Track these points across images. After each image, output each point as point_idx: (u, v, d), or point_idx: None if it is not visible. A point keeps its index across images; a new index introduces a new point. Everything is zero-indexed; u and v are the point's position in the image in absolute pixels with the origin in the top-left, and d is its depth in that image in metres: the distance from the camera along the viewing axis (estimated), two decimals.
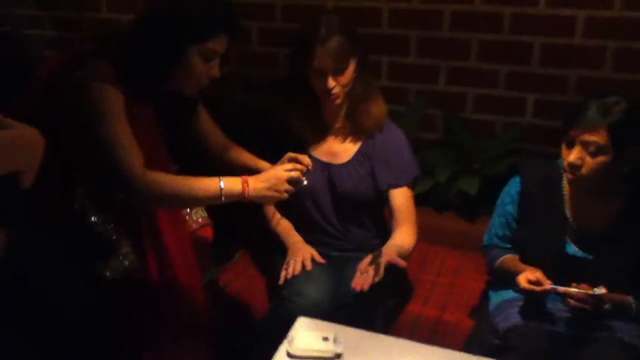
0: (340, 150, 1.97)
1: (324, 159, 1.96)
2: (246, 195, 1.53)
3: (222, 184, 1.51)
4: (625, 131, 1.56)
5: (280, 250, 1.97)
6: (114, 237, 1.56)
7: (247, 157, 1.85)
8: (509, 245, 1.84)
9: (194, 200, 1.56)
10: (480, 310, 1.94)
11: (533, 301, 1.68)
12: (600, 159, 1.58)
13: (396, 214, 1.93)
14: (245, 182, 1.53)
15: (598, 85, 2.30)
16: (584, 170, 1.59)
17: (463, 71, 2.49)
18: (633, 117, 1.58)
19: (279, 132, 1.96)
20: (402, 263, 1.66)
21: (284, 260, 1.90)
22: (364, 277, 1.60)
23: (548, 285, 1.60)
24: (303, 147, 1.94)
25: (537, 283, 1.61)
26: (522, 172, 1.80)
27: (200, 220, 1.81)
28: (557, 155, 1.83)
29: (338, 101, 1.85)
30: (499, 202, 1.85)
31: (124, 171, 1.44)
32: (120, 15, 3.05)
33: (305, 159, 1.69)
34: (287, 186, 1.58)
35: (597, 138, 1.56)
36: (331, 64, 1.78)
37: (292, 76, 1.92)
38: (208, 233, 1.85)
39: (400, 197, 1.93)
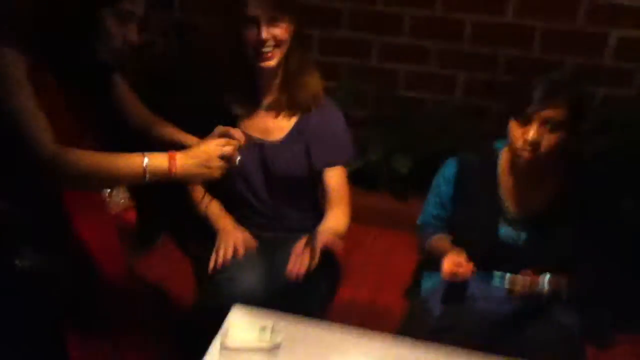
0: (274, 126, 1.86)
1: (257, 135, 1.84)
2: (173, 172, 1.40)
3: (145, 160, 1.37)
4: (581, 105, 1.56)
5: (208, 232, 1.85)
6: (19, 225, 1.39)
7: (172, 132, 1.70)
8: (443, 225, 1.81)
9: (114, 179, 1.41)
10: (413, 291, 1.92)
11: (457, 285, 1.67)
12: (558, 134, 1.56)
13: (330, 194, 1.85)
14: (172, 158, 1.40)
15: (527, 65, 2.32)
16: (542, 148, 1.57)
17: (396, 47, 2.44)
18: (584, 91, 1.59)
19: (206, 105, 1.83)
20: (338, 245, 1.58)
21: (212, 244, 1.79)
22: (299, 261, 1.52)
23: (469, 266, 1.59)
24: (233, 122, 1.81)
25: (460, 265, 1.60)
26: (459, 156, 1.77)
27: (121, 201, 1.66)
28: (489, 134, 1.82)
29: (271, 63, 1.72)
30: (434, 182, 1.83)
31: (32, 147, 1.28)
32: None
33: (237, 133, 1.57)
34: (219, 163, 1.45)
35: (556, 113, 1.54)
36: (266, 12, 1.66)
37: (222, 41, 1.78)
38: (131, 216, 1.70)
39: (335, 178, 1.86)
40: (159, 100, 1.79)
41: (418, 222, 1.86)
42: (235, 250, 1.73)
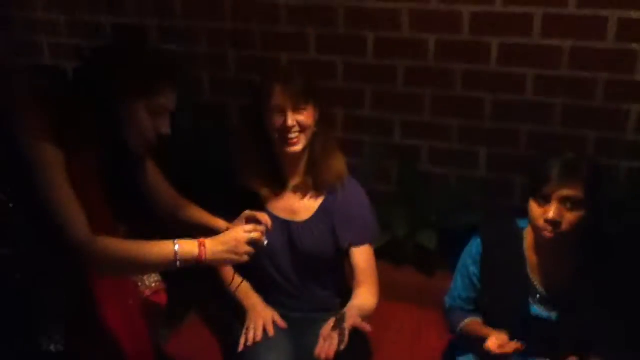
0: (300, 207, 1.91)
1: (284, 216, 1.89)
2: (203, 259, 1.45)
3: (176, 247, 1.42)
4: (597, 184, 1.58)
5: (236, 312, 1.87)
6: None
7: (201, 216, 1.76)
8: (472, 307, 1.81)
9: (146, 267, 1.47)
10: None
11: None
12: (578, 213, 1.58)
13: (357, 273, 1.87)
14: (202, 245, 1.45)
15: (548, 140, 2.36)
16: (563, 226, 1.58)
17: (417, 124, 2.51)
18: (598, 170, 1.60)
19: (234, 189, 1.89)
20: (367, 328, 1.59)
21: (241, 324, 1.81)
22: (327, 344, 1.53)
23: (518, 344, 1.58)
24: (260, 205, 1.87)
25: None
26: (482, 234, 1.79)
27: (153, 285, 1.70)
28: (513, 209, 1.83)
29: (297, 148, 1.79)
30: (460, 263, 1.83)
31: (66, 234, 1.34)
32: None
33: (264, 217, 1.63)
34: (247, 248, 1.51)
35: (574, 192, 1.56)
36: (291, 101, 1.75)
37: (249, 128, 1.87)
38: (161, 298, 1.74)
39: (362, 256, 1.88)
40: (185, 183, 1.86)
41: (446, 304, 1.86)
42: (264, 330, 1.74)
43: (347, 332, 1.55)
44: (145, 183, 1.69)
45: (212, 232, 1.61)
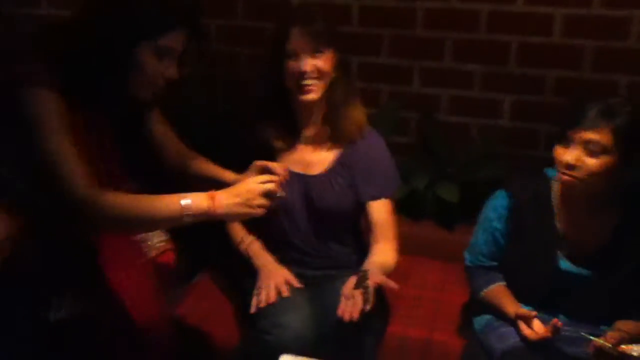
0: (316, 159, 1.79)
1: (298, 169, 1.78)
2: (214, 212, 1.34)
3: (185, 202, 1.31)
4: (633, 133, 1.46)
5: (249, 271, 1.77)
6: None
7: (211, 169, 1.65)
8: (495, 263, 1.70)
9: (154, 223, 1.36)
10: (469, 327, 1.81)
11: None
12: (602, 160, 1.46)
13: (376, 228, 1.77)
14: (212, 198, 1.34)
15: (576, 86, 2.22)
16: (582, 172, 1.47)
17: (437, 72, 2.36)
18: (638, 118, 1.48)
19: (244, 139, 1.78)
20: (393, 285, 1.50)
21: (253, 284, 1.72)
22: (351, 303, 1.44)
23: (557, 323, 1.48)
24: (272, 157, 1.76)
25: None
26: (510, 188, 1.66)
27: (160, 245, 1.61)
28: (538, 160, 1.72)
29: (313, 96, 1.67)
30: (482, 217, 1.71)
31: (72, 191, 1.24)
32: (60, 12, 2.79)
33: (279, 167, 1.52)
34: (261, 200, 1.39)
35: (599, 137, 1.44)
36: (309, 45, 1.62)
37: (261, 73, 1.74)
38: (170, 258, 1.65)
39: (381, 210, 1.77)
40: (194, 135, 1.75)
41: (467, 260, 1.75)
42: (278, 291, 1.66)
43: (371, 291, 1.46)
44: (153, 135, 1.58)
45: (223, 185, 1.50)
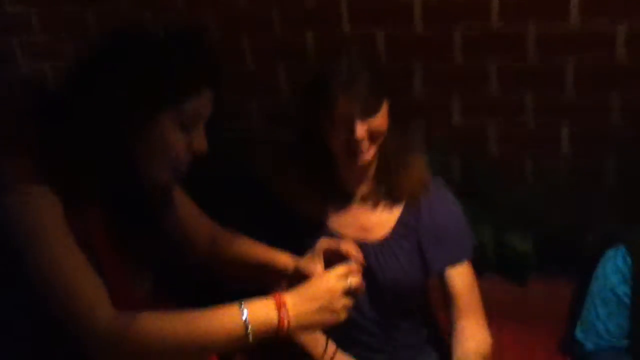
0: (373, 222, 1.49)
1: (353, 235, 1.47)
2: (286, 326, 1.01)
3: (245, 315, 0.98)
4: None
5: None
6: None
7: (259, 252, 1.34)
8: (625, 342, 1.38)
9: (204, 351, 1.02)
10: None
11: None
12: None
13: (458, 300, 1.46)
14: (281, 305, 1.01)
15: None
16: None
17: (480, 101, 2.08)
18: None
19: (279, 209, 1.47)
20: None
21: None
22: None
23: None
24: (317, 225, 1.45)
25: None
26: (630, 244, 1.36)
27: None
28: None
29: (366, 158, 1.38)
30: (598, 285, 1.41)
31: (82, 320, 0.91)
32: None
33: (353, 249, 1.21)
34: (344, 301, 1.08)
35: None
36: (359, 107, 1.31)
37: (299, 136, 1.45)
38: None
39: (462, 278, 1.48)
40: (217, 213, 1.43)
41: (585, 346, 1.42)
42: None
43: None
44: (178, 222, 1.25)
45: (273, 275, 1.18)
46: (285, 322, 1.00)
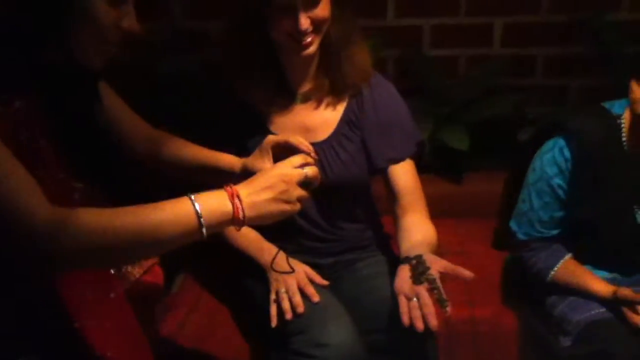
0: (317, 122, 1.41)
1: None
2: (241, 216, 0.94)
3: (197, 207, 0.90)
4: None
5: (248, 268, 1.40)
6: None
7: (202, 154, 1.23)
8: (555, 232, 1.41)
9: (155, 246, 0.93)
10: (511, 293, 1.54)
11: None
12: None
13: (402, 197, 1.42)
14: (234, 196, 0.94)
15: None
16: None
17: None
18: None
19: (223, 107, 1.37)
20: (468, 274, 1.18)
21: (261, 285, 1.35)
22: (416, 306, 1.11)
23: None
24: (262, 125, 1.37)
25: None
26: (573, 133, 1.35)
27: (143, 262, 1.19)
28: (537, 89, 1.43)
29: (311, 49, 1.29)
30: (534, 177, 1.39)
31: (23, 218, 0.81)
32: None
33: (304, 142, 1.14)
34: (300, 191, 1.01)
35: None
36: None
37: (238, 26, 1.33)
38: (157, 276, 1.24)
39: (406, 174, 1.43)
40: (156, 113, 1.30)
41: (518, 235, 1.43)
42: (308, 294, 1.30)
43: (440, 285, 1.13)
44: (108, 118, 1.13)
45: (224, 177, 1.10)
46: (240, 212, 0.93)
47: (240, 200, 0.93)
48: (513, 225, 1.43)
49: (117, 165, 1.14)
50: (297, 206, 1.00)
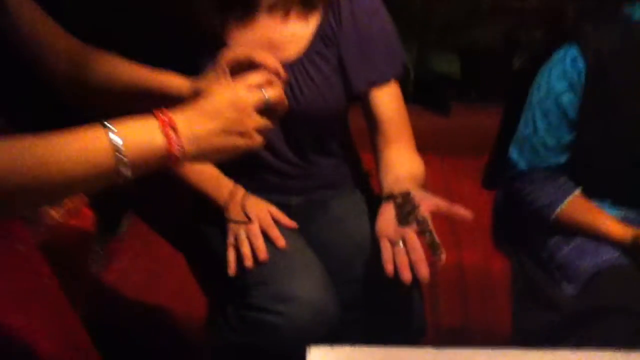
0: (285, 38, 1.20)
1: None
2: (177, 152, 0.72)
3: (114, 138, 0.69)
4: None
5: (203, 208, 1.21)
6: None
7: (138, 73, 1.00)
8: (562, 159, 1.22)
9: (58, 188, 0.70)
10: (503, 235, 1.37)
11: None
12: None
13: (385, 126, 1.23)
14: (167, 126, 0.72)
15: None
16: None
17: None
18: None
19: (168, 16, 1.16)
20: (466, 214, 0.99)
21: (218, 228, 1.17)
22: (401, 252, 0.92)
23: None
24: (217, 39, 1.15)
25: None
26: (584, 41, 1.15)
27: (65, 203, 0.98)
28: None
29: None
30: (539, 95, 1.20)
31: None
32: None
33: (270, 58, 0.92)
34: (259, 120, 0.79)
35: None
36: None
37: None
38: (85, 219, 1.03)
39: (390, 100, 1.23)
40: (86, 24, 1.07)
41: (517, 164, 1.24)
42: (272, 238, 1.11)
43: (431, 227, 0.94)
44: (18, 30, 0.90)
45: (166, 102, 0.87)
46: (176, 146, 0.71)
47: (176, 131, 0.72)
48: (513, 153, 1.24)
49: (32, 93, 0.92)
50: (256, 140, 0.79)
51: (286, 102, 0.84)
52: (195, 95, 0.91)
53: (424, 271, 0.88)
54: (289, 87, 1.18)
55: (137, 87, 1.00)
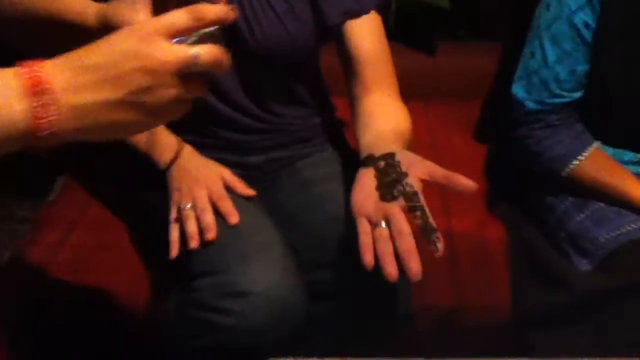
0: None
1: None
2: (45, 126, 0.48)
3: None
4: None
5: (144, 170, 1.01)
6: None
7: None
8: (577, 94, 1.03)
9: None
10: (499, 196, 1.19)
11: None
12: None
13: (364, 67, 1.03)
14: (37, 83, 0.48)
15: None
16: None
17: None
18: None
19: None
20: (469, 184, 0.78)
21: (162, 195, 0.97)
22: (383, 237, 0.73)
23: None
24: None
25: None
26: None
27: None
28: None
29: None
30: (548, 17, 1.00)
31: None
32: None
33: None
34: (176, 90, 0.51)
35: None
36: None
37: None
38: None
39: (370, 35, 1.03)
40: None
41: (529, 105, 1.04)
42: (223, 213, 0.92)
43: (423, 202, 0.75)
44: None
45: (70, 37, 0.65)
46: (45, 121, 0.48)
47: (52, 93, 0.48)
48: (518, 90, 1.05)
49: None
50: (170, 116, 0.53)
51: (226, 61, 0.57)
52: (104, 26, 0.67)
53: (414, 266, 0.68)
54: (244, 20, 0.96)
55: (37, 13, 0.78)
